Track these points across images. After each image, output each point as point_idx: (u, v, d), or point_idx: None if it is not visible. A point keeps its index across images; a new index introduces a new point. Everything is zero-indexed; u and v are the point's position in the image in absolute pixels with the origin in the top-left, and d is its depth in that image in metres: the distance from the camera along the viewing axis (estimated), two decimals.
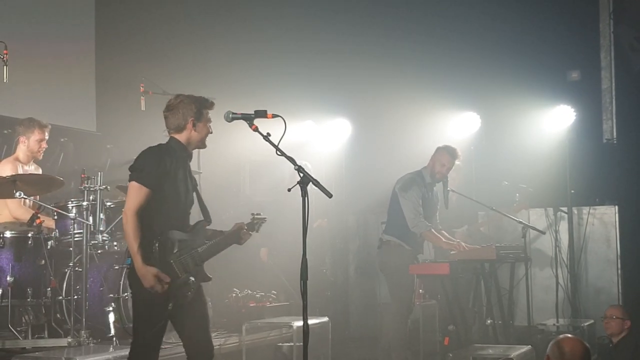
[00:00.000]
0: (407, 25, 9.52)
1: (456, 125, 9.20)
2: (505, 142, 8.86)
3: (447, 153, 6.62)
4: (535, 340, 6.93)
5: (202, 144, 4.44)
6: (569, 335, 3.93)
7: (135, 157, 4.26)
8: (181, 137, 4.34)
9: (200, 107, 4.35)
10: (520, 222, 7.06)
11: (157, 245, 4.14)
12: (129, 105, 8.07)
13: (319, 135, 9.85)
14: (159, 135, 4.41)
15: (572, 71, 8.99)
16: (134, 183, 4.18)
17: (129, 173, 4.26)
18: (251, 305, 7.33)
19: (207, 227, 4.50)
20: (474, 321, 6.91)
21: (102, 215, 6.11)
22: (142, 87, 7.71)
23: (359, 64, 9.40)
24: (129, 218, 4.11)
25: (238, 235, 4.52)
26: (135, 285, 4.16)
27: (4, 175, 5.93)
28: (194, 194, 4.47)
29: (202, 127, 4.36)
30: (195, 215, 4.47)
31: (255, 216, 4.73)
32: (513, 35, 9.14)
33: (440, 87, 8.88)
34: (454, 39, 9.27)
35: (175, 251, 4.22)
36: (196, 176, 4.80)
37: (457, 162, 6.71)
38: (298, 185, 3.85)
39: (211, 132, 4.42)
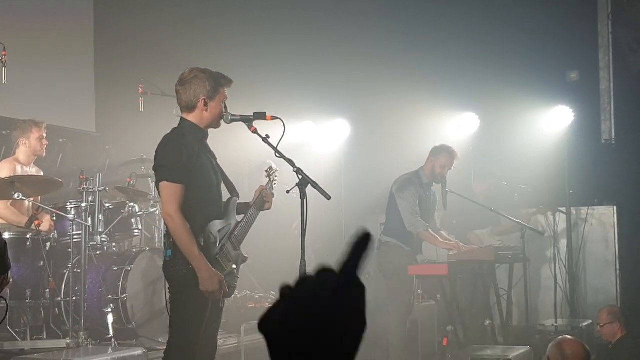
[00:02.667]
0: (406, 26, 9.51)
1: (455, 126, 9.19)
2: (504, 142, 8.85)
3: (447, 154, 6.61)
4: (533, 340, 6.93)
5: (216, 124, 4.05)
6: (569, 337, 3.93)
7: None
8: (192, 117, 3.96)
9: (215, 85, 3.96)
10: (519, 223, 7.06)
11: (202, 242, 3.82)
12: (128, 106, 8.05)
13: (318, 136, 9.84)
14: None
15: (571, 72, 8.98)
16: (164, 183, 3.80)
17: (154, 172, 3.96)
18: (250, 306, 7.32)
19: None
20: (473, 322, 6.91)
21: (100, 217, 6.09)
22: (141, 88, 7.69)
23: (358, 65, 9.40)
24: (176, 221, 3.72)
25: (262, 200, 4.23)
26: (177, 282, 3.83)
27: (2, 176, 5.93)
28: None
29: (215, 106, 3.97)
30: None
31: (270, 172, 4.44)
32: (512, 36, 9.12)
33: (439, 87, 8.87)
34: (453, 40, 9.26)
35: (218, 244, 3.92)
36: None
37: (455, 162, 6.71)
38: (297, 187, 3.85)
39: (226, 112, 4.04)
